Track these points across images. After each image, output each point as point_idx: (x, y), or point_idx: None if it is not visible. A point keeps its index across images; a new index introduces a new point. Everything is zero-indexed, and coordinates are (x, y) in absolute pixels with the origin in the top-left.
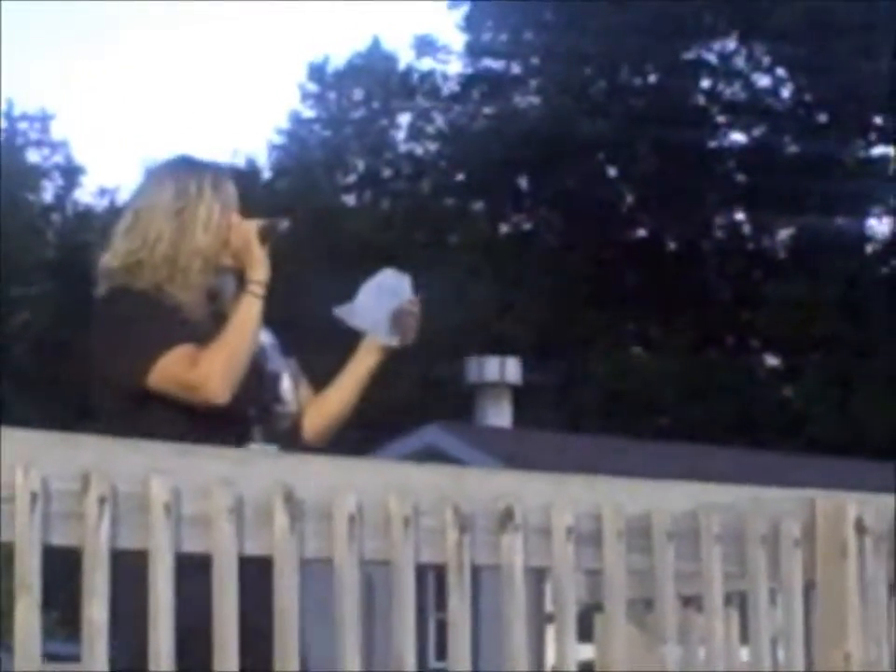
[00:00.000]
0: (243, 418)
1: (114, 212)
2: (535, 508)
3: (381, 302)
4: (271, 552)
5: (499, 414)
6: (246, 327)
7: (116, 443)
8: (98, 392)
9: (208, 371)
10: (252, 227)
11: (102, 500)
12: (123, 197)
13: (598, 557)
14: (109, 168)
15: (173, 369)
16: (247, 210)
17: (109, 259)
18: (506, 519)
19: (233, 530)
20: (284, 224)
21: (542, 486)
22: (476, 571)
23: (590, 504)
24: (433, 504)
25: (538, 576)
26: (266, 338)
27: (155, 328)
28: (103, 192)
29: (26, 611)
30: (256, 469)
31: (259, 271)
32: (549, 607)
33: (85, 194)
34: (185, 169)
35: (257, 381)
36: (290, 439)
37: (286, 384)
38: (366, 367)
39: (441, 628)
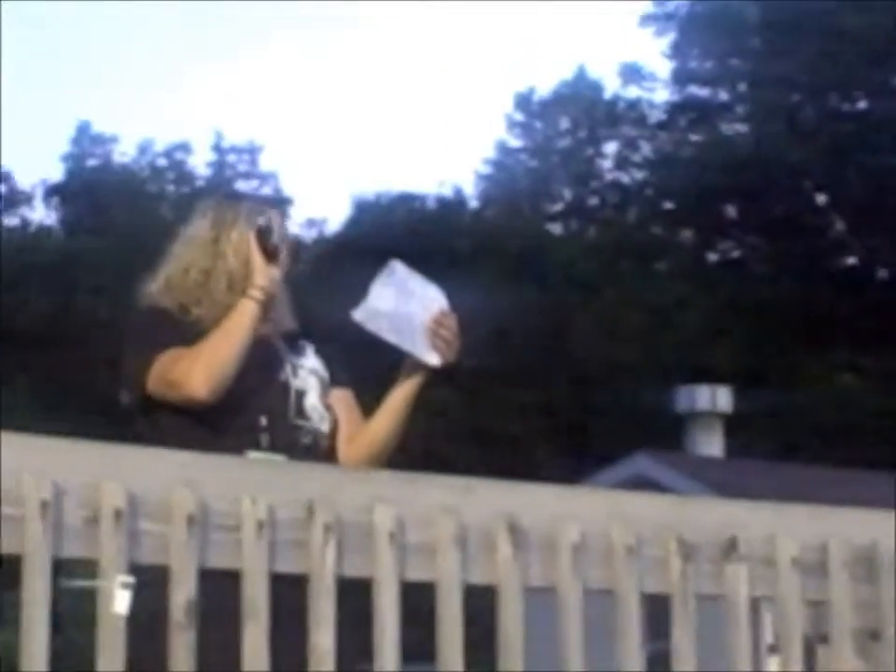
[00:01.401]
0: (252, 426)
1: (323, 243)
2: (759, 537)
3: (407, 307)
4: (495, 581)
5: (710, 443)
6: (235, 327)
7: (341, 472)
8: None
9: (189, 367)
10: (252, 236)
11: (327, 529)
12: (332, 228)
13: (822, 588)
14: (317, 199)
15: (160, 369)
16: (438, 238)
17: (149, 284)
18: (730, 549)
19: (458, 559)
20: (262, 219)
21: (765, 516)
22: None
23: (814, 534)
24: (656, 533)
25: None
26: (310, 362)
27: (162, 336)
28: (311, 224)
29: (255, 638)
30: (480, 497)
31: (257, 275)
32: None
33: (293, 225)
34: (226, 201)
35: (274, 392)
36: (313, 456)
37: (312, 400)
38: (406, 392)
39: (654, 660)
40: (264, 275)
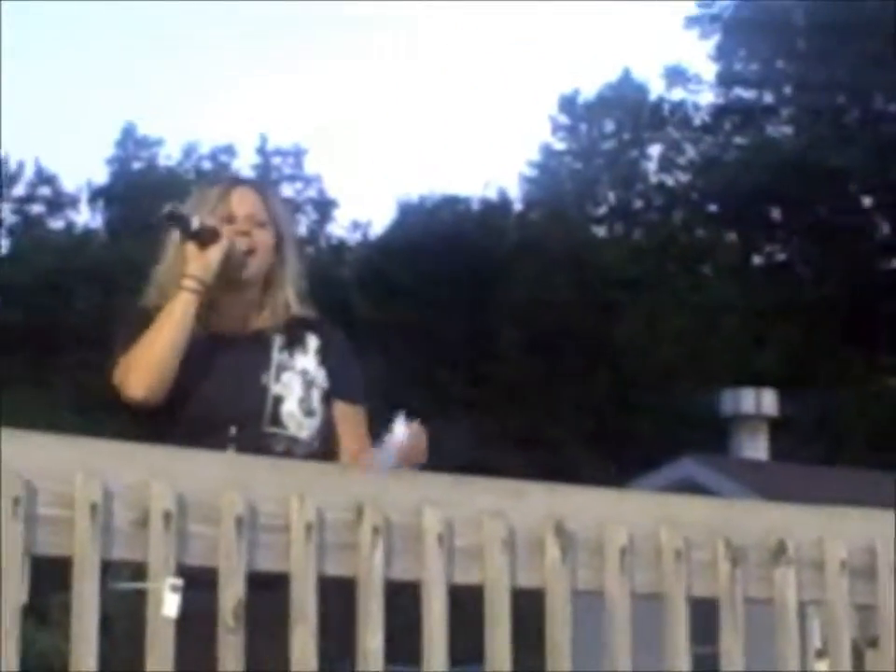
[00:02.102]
0: (221, 435)
1: (367, 245)
2: (807, 541)
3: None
4: (542, 584)
5: (755, 447)
6: (167, 322)
7: (389, 474)
8: None
9: (126, 367)
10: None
11: (376, 531)
12: (375, 231)
13: (870, 591)
14: (362, 202)
15: (114, 370)
16: (483, 239)
17: (147, 287)
18: (778, 552)
19: (506, 562)
20: (169, 207)
21: (813, 519)
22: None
23: (862, 537)
24: (704, 537)
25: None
26: (303, 362)
27: (128, 337)
28: (356, 226)
29: (303, 640)
30: (528, 501)
31: (188, 264)
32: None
33: (338, 228)
34: (190, 199)
35: (250, 397)
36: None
37: (289, 406)
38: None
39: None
40: (195, 263)
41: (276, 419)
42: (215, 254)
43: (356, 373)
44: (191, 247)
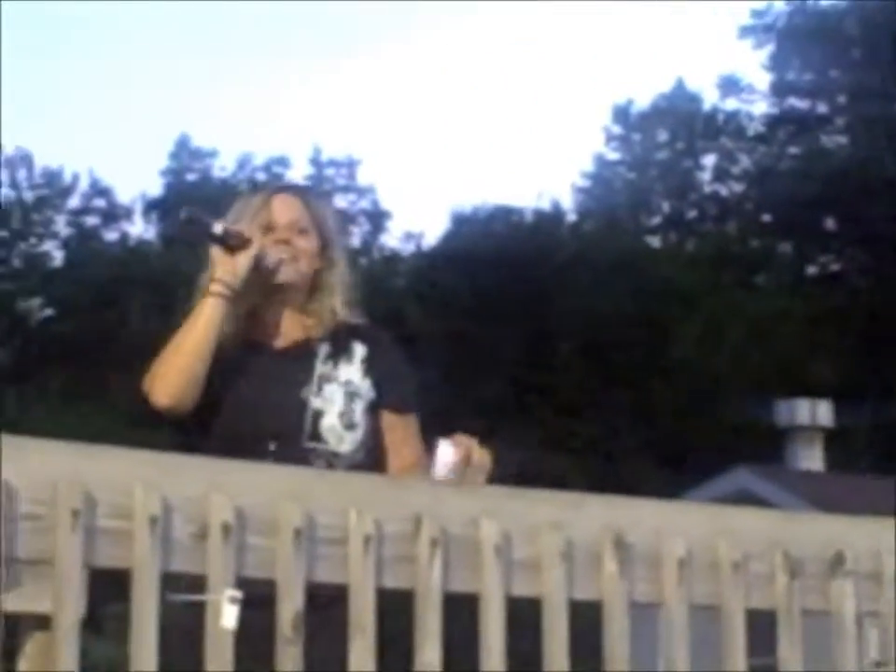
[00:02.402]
0: (260, 451)
1: (420, 256)
2: (864, 552)
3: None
4: (600, 596)
5: (811, 457)
6: (192, 328)
7: (446, 486)
8: None
9: (151, 376)
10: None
11: (434, 543)
12: (429, 241)
13: None
14: (415, 213)
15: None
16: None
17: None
18: (836, 564)
19: (563, 574)
20: (185, 212)
21: (870, 531)
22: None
23: None
24: (762, 548)
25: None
26: (347, 373)
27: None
28: (409, 237)
29: (361, 653)
30: (586, 512)
31: (216, 268)
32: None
33: (391, 239)
34: (238, 203)
35: (289, 411)
36: None
37: (330, 420)
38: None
39: None
40: (221, 267)
41: (316, 434)
42: (243, 259)
43: (405, 380)
44: (217, 252)
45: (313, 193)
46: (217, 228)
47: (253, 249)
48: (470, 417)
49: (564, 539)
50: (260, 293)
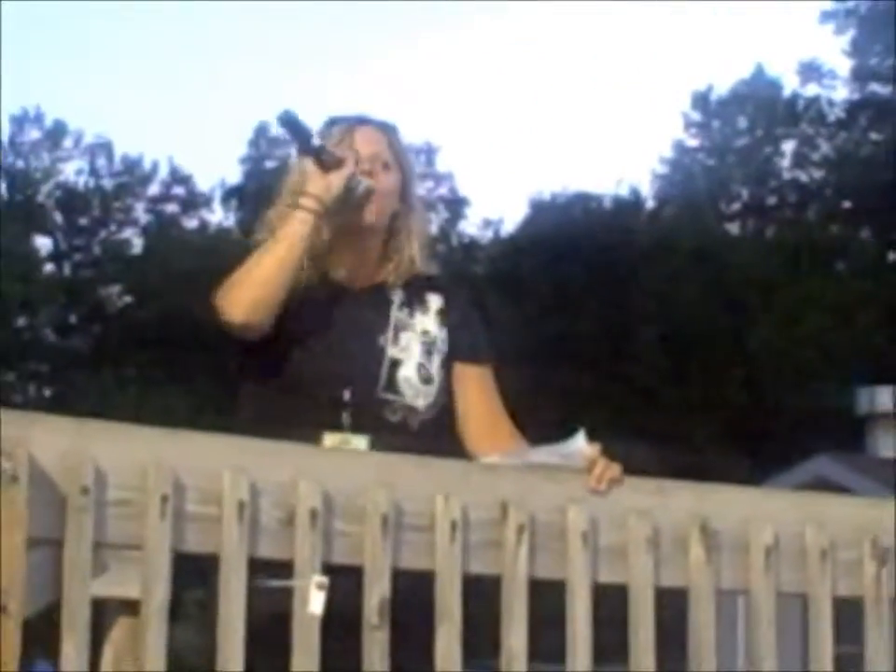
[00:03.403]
0: (335, 400)
1: (499, 243)
2: None
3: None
4: (687, 583)
5: (892, 445)
6: (278, 240)
7: (533, 473)
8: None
9: (225, 289)
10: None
11: (521, 529)
12: (507, 228)
13: None
14: (493, 199)
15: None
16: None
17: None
18: None
19: (651, 561)
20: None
21: None
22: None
23: None
24: (850, 536)
25: None
26: (424, 323)
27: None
28: (487, 224)
29: (447, 640)
30: (672, 499)
31: (309, 183)
32: None
33: (470, 226)
34: (323, 130)
35: (366, 359)
36: (401, 435)
37: (406, 371)
38: None
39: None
40: (315, 183)
41: (392, 385)
42: (337, 179)
43: (479, 331)
44: (310, 165)
45: (397, 130)
46: (315, 140)
47: (347, 171)
48: (549, 405)
49: (650, 525)
50: (342, 225)
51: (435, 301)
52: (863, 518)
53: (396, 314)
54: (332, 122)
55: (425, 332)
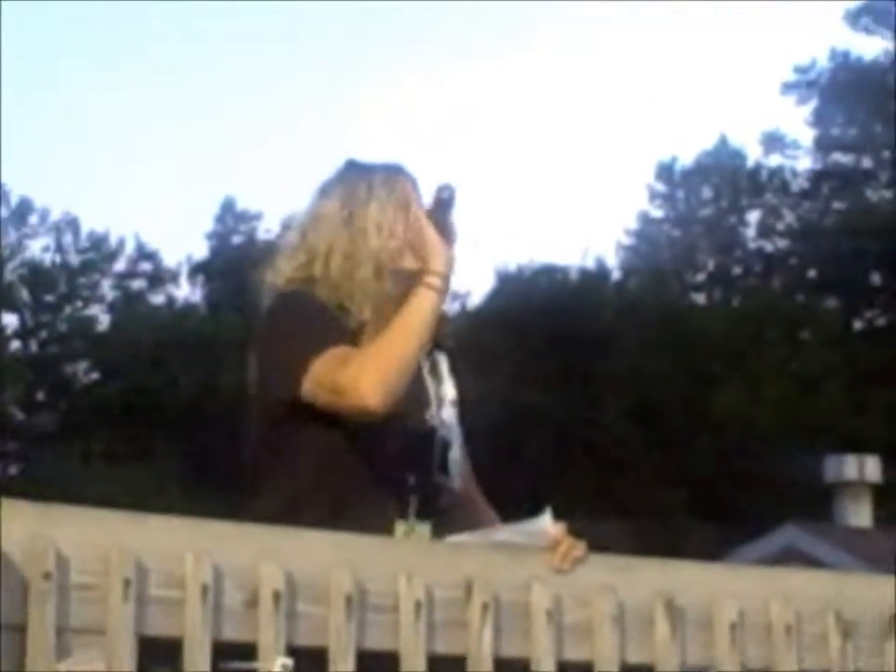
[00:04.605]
0: (401, 482)
1: (465, 315)
2: None
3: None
4: (652, 659)
5: (859, 514)
6: (414, 322)
7: (497, 552)
8: (255, 414)
9: (359, 370)
10: (421, 213)
11: (485, 608)
12: (474, 301)
13: None
14: (460, 272)
15: (322, 370)
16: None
17: (270, 278)
18: (891, 625)
19: (616, 638)
20: (444, 192)
21: None
22: None
23: None
24: (815, 610)
25: None
26: (451, 391)
27: (322, 331)
28: (454, 297)
29: None
30: (637, 576)
31: (435, 259)
32: None
33: None
34: (351, 174)
35: (422, 438)
36: (450, 522)
37: (455, 454)
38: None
39: None
40: (443, 258)
41: (444, 467)
42: (454, 255)
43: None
44: (437, 238)
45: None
46: (452, 216)
47: (454, 244)
48: (517, 477)
49: (615, 602)
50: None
51: (443, 361)
52: (828, 592)
53: (429, 383)
54: (361, 167)
55: (453, 403)
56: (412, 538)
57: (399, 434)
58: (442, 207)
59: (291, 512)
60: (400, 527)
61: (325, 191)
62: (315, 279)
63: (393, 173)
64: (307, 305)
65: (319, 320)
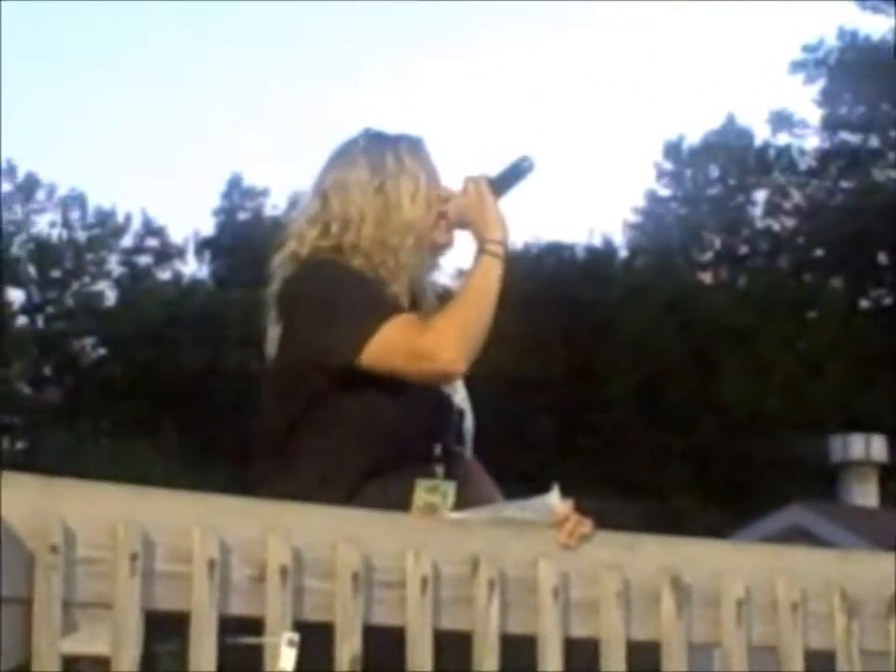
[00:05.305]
0: (429, 449)
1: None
2: None
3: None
4: (658, 637)
5: (865, 493)
6: (484, 288)
7: (504, 528)
8: (284, 378)
9: (441, 335)
10: (482, 181)
11: (491, 584)
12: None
13: None
14: (466, 251)
15: (397, 337)
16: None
17: (295, 247)
18: (893, 605)
19: (621, 615)
20: (525, 162)
21: None
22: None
23: None
24: (820, 588)
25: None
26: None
27: (380, 301)
28: (461, 274)
29: None
30: (643, 553)
31: (496, 228)
32: None
33: (443, 276)
34: (377, 142)
35: (443, 410)
36: (466, 489)
37: (468, 423)
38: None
39: None
40: (503, 227)
41: (461, 437)
42: (500, 212)
43: None
44: (495, 207)
45: None
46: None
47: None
48: (522, 455)
49: (621, 579)
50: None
51: None
52: (833, 570)
53: None
54: (383, 137)
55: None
56: (436, 495)
57: (426, 402)
58: (516, 176)
59: (328, 482)
60: (423, 484)
61: (347, 159)
62: (342, 247)
63: (417, 144)
64: (351, 273)
65: (370, 286)
